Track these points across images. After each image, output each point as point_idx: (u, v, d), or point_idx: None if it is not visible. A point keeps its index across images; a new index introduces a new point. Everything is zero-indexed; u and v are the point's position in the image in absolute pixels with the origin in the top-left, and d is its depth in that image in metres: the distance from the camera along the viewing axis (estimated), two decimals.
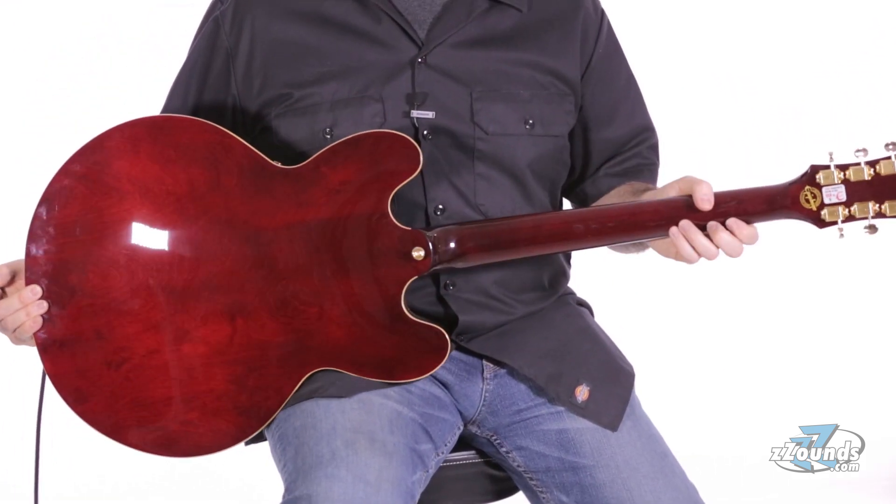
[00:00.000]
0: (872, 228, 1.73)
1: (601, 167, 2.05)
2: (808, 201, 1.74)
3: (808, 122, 3.83)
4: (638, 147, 2.06)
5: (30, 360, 1.88)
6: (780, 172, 1.82)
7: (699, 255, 1.78)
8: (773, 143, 3.82)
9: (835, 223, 1.74)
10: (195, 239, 1.83)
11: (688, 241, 1.77)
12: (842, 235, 1.75)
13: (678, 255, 1.81)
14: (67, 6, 3.75)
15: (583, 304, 2.11)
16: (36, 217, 1.83)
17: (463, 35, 1.94)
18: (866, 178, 1.71)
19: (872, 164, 1.71)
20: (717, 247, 1.77)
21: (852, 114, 3.83)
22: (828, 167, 1.73)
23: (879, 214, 1.72)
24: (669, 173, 1.93)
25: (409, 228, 1.82)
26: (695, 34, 3.84)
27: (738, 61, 3.87)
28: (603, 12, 2.05)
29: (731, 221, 1.75)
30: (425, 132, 1.90)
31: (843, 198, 1.72)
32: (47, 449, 1.93)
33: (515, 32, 1.97)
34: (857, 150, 1.71)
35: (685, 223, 1.77)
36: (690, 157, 3.66)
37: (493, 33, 1.96)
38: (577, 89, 2.00)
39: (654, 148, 2.10)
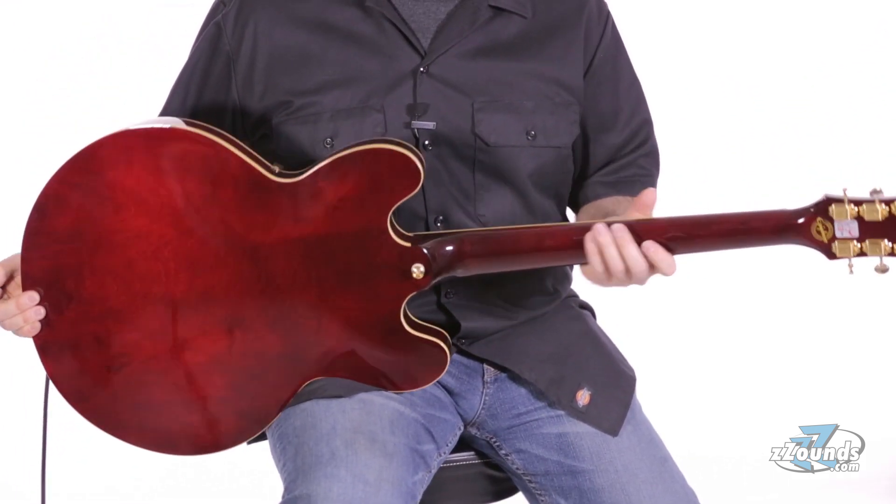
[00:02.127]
0: (883, 268, 1.68)
1: (595, 173, 2.03)
2: (819, 233, 1.70)
3: (822, 141, 3.82)
4: (634, 153, 2.03)
5: (33, 360, 1.88)
6: (793, 190, 1.79)
7: (627, 269, 1.72)
8: (786, 161, 3.81)
9: (845, 258, 1.70)
10: (191, 252, 1.81)
11: (618, 249, 1.72)
12: (852, 272, 1.72)
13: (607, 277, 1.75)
14: (67, 6, 3.74)
15: (585, 306, 2.10)
16: (29, 223, 1.82)
17: (466, 44, 1.93)
18: (880, 218, 1.66)
19: (888, 202, 1.66)
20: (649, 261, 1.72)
21: (866, 132, 3.82)
22: (842, 201, 1.68)
23: (892, 254, 1.67)
24: (683, 189, 1.91)
25: (409, 245, 1.79)
26: (709, 49, 3.83)
27: (752, 79, 3.85)
28: (608, 15, 2.03)
29: (649, 244, 1.71)
30: (426, 142, 1.89)
31: (856, 234, 1.68)
32: (51, 449, 1.93)
33: (519, 40, 1.95)
34: (873, 192, 1.66)
35: (618, 227, 1.71)
36: (703, 173, 3.67)
37: (497, 42, 1.94)
38: (580, 97, 1.98)
39: (651, 155, 2.06)
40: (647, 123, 2.07)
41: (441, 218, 1.90)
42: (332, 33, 1.93)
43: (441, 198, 1.90)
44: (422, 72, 1.91)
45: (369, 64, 1.91)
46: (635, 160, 2.04)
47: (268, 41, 1.93)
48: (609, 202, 2.00)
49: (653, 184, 2.05)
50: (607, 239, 1.72)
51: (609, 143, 2.02)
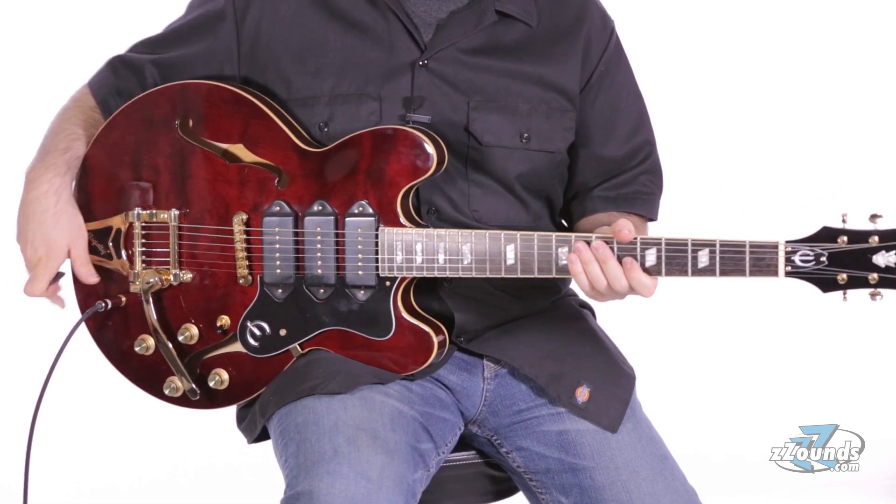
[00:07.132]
0: (876, 294, 1.71)
1: (596, 187, 2.03)
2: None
3: (820, 149, 3.83)
4: (635, 170, 2.03)
5: (23, 363, 1.87)
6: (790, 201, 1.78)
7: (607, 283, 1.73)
8: (784, 171, 3.82)
9: (840, 289, 1.72)
10: None
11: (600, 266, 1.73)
12: (845, 299, 1.73)
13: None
14: (68, 6, 3.75)
15: (584, 305, 2.11)
16: None
17: (467, 43, 1.94)
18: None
19: (882, 236, 1.67)
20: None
21: (867, 148, 3.83)
22: (838, 233, 1.68)
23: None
24: (683, 197, 1.90)
25: (411, 227, 1.83)
26: (709, 54, 3.83)
27: (752, 84, 3.86)
28: (612, 30, 2.03)
29: (628, 260, 1.72)
30: None
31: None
32: (41, 453, 1.93)
33: (521, 45, 1.96)
34: (872, 216, 1.66)
35: (598, 244, 1.72)
36: (703, 181, 3.66)
37: (499, 44, 1.95)
38: (577, 104, 1.99)
39: (653, 173, 2.06)
40: (648, 143, 2.06)
41: (433, 209, 1.92)
42: (336, 18, 1.95)
43: (433, 192, 1.92)
44: (420, 65, 1.92)
45: (370, 52, 1.93)
46: (636, 177, 2.04)
47: (273, 16, 1.95)
48: (604, 217, 2.00)
49: (654, 202, 2.05)
50: (588, 256, 1.73)
51: (605, 155, 2.02)
